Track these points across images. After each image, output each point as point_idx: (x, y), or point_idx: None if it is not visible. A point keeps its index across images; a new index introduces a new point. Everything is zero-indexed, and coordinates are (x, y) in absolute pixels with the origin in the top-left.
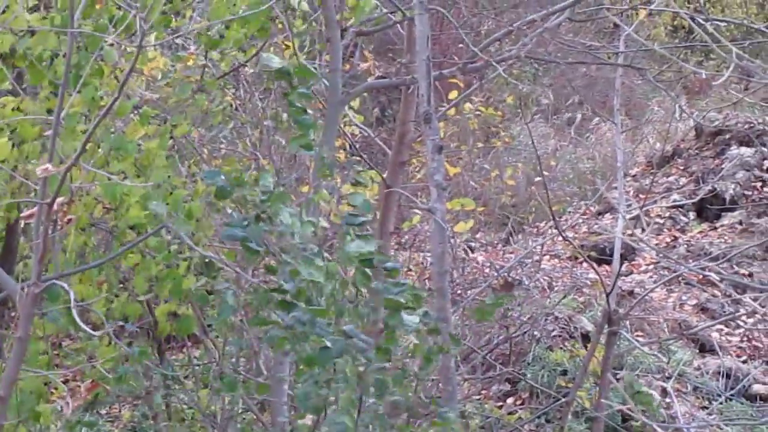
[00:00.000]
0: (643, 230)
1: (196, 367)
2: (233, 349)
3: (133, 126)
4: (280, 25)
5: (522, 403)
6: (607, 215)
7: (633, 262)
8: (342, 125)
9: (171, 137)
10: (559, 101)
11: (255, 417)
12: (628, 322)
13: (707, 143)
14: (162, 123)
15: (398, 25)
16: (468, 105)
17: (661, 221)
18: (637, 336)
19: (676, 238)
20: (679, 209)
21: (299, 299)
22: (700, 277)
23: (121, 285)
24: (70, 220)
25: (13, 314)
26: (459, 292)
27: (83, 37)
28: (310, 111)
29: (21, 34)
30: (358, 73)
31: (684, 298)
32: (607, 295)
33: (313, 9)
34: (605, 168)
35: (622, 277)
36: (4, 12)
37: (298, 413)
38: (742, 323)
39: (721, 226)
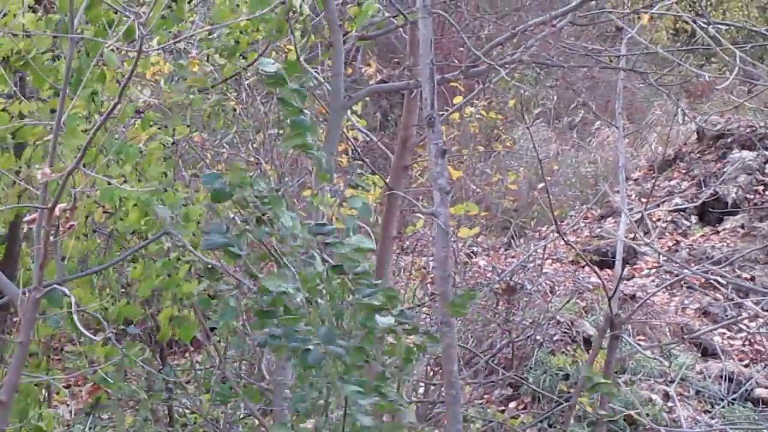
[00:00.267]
0: (646, 233)
1: (198, 372)
2: (235, 354)
3: (134, 130)
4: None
5: (524, 408)
6: (609, 219)
7: (635, 266)
8: (345, 129)
9: (173, 141)
10: (561, 105)
11: (257, 422)
12: (630, 326)
13: (709, 147)
14: (163, 127)
15: (401, 29)
16: (470, 109)
17: (663, 225)
18: (640, 340)
19: (678, 242)
20: (681, 213)
21: (276, 306)
22: (702, 280)
23: (123, 290)
24: (72, 225)
25: (14, 319)
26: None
27: (84, 41)
28: (307, 112)
29: (19, 36)
30: (363, 78)
31: (686, 301)
32: (609, 299)
33: (316, 13)
34: (607, 172)
35: (624, 281)
36: (4, 16)
37: (300, 418)
38: (744, 327)
39: (723, 229)
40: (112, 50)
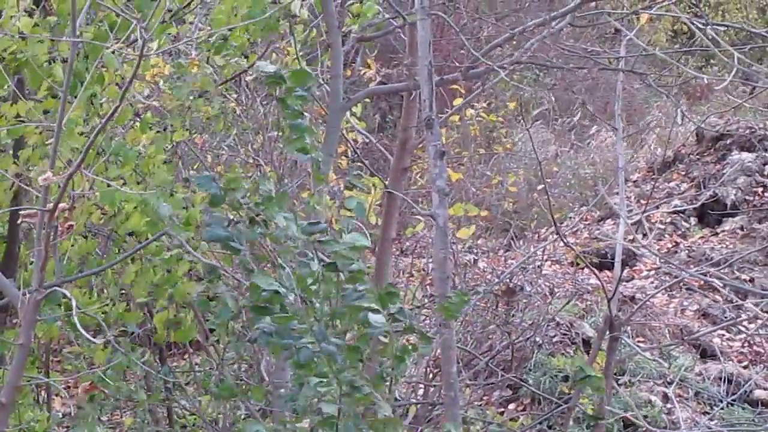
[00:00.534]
0: (645, 235)
1: (198, 374)
2: (234, 355)
3: (133, 132)
4: (281, 31)
5: (524, 409)
6: (609, 221)
7: (634, 268)
8: (344, 131)
9: (172, 143)
10: (561, 106)
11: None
12: (629, 328)
13: (708, 148)
14: (162, 130)
15: (400, 31)
16: (470, 111)
17: (663, 227)
18: (639, 342)
19: (677, 244)
20: (681, 215)
21: (272, 303)
22: (702, 282)
23: (123, 291)
24: (71, 226)
25: (14, 321)
26: None
27: (82, 43)
28: (306, 114)
29: (15, 38)
30: (362, 80)
31: (685, 303)
32: (609, 301)
33: (315, 15)
34: (606, 174)
35: (624, 283)
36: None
37: (297, 417)
38: (743, 328)
39: (723, 231)
40: (113, 53)
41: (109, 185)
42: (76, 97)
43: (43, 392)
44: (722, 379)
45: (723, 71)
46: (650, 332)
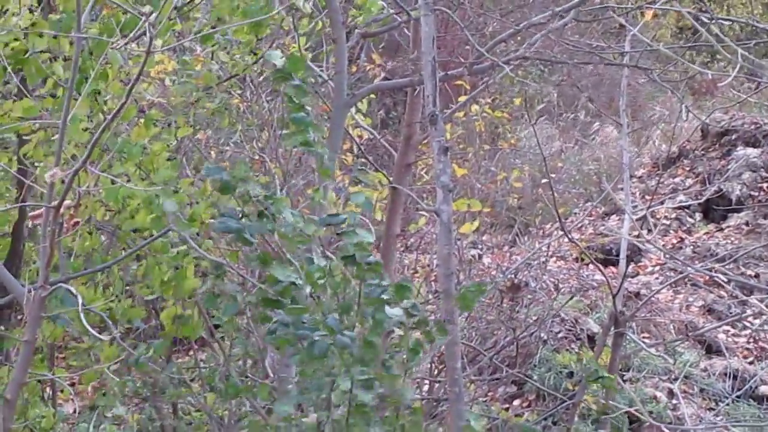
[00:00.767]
0: (650, 231)
1: (203, 370)
2: (240, 351)
3: (137, 129)
4: (285, 27)
5: (528, 405)
6: (614, 217)
7: (639, 264)
8: (349, 128)
9: (176, 139)
10: (565, 102)
11: (262, 419)
12: (634, 324)
13: (713, 144)
14: (167, 126)
15: (404, 27)
16: (475, 107)
17: (668, 222)
18: (644, 337)
19: (682, 240)
20: (686, 210)
21: (284, 296)
22: (707, 278)
23: (127, 288)
24: (76, 223)
25: (19, 317)
26: None
27: (86, 40)
28: (309, 108)
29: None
30: (367, 76)
31: (690, 299)
32: (614, 297)
33: (319, 10)
34: (611, 169)
35: (629, 279)
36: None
37: (303, 413)
38: (748, 324)
39: (728, 227)
40: (117, 48)
41: (113, 182)
42: (80, 94)
43: (48, 389)
44: (727, 375)
45: (728, 67)
46: (655, 328)
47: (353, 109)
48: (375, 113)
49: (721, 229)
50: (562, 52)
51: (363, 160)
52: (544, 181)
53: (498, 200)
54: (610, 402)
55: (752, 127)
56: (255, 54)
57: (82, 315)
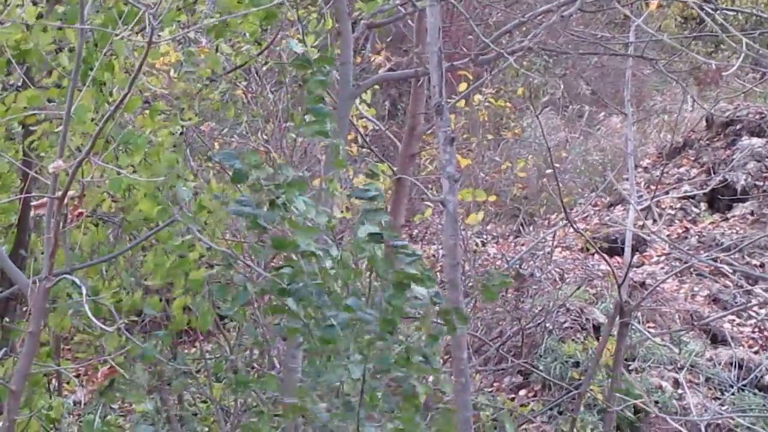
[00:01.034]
0: (655, 221)
1: (209, 361)
2: (248, 341)
3: (142, 120)
4: (291, 18)
5: (534, 395)
6: (619, 207)
7: (644, 254)
8: (354, 118)
9: (181, 131)
10: (570, 93)
11: (268, 410)
12: (639, 314)
13: (718, 134)
14: (172, 116)
15: (408, 18)
16: (478, 96)
17: (673, 212)
18: (649, 327)
19: (687, 229)
20: (691, 200)
21: (305, 258)
22: (712, 268)
23: (133, 279)
24: (80, 214)
25: (24, 309)
26: (470, 284)
27: (92, 31)
28: (327, 100)
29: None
30: (371, 67)
31: (695, 289)
32: (619, 287)
33: (325, 1)
34: (616, 159)
35: (634, 269)
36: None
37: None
38: (753, 314)
39: (733, 216)
40: (121, 39)
41: (118, 173)
42: (86, 84)
43: (54, 380)
44: (733, 365)
45: (733, 56)
46: (661, 318)
47: (357, 100)
48: (380, 104)
49: (726, 219)
50: (566, 43)
51: (367, 150)
52: (548, 171)
53: (502, 190)
54: (615, 394)
55: (757, 116)
56: (259, 45)
57: (87, 306)
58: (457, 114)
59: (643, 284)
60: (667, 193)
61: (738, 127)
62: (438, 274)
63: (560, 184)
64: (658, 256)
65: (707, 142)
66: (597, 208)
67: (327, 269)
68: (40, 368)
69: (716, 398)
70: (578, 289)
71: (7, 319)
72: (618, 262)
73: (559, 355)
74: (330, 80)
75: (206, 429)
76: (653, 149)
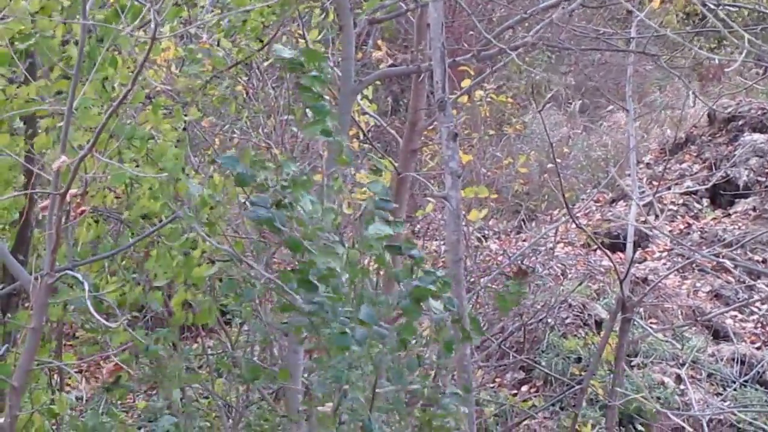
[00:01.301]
0: (657, 217)
1: (211, 357)
2: (254, 337)
3: (144, 115)
4: (293, 14)
5: (536, 391)
6: (621, 202)
7: (647, 249)
8: (355, 114)
9: (184, 126)
10: (572, 89)
11: (270, 406)
12: (641, 309)
13: (720, 130)
14: (175, 111)
15: (410, 13)
16: (479, 92)
17: (675, 208)
18: (651, 323)
19: (689, 225)
20: (693, 196)
21: (323, 282)
22: (714, 263)
23: (134, 276)
24: (83, 210)
25: (26, 305)
26: (473, 279)
27: (97, 27)
28: (326, 97)
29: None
30: (372, 62)
31: (698, 284)
32: (621, 282)
33: None
34: (618, 155)
35: (636, 265)
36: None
37: (313, 401)
38: (756, 309)
39: (735, 212)
40: (126, 36)
41: (120, 168)
42: (88, 80)
43: (56, 376)
44: (735, 360)
45: (735, 52)
46: (663, 313)
47: (359, 96)
48: (383, 100)
49: (729, 215)
50: (569, 39)
51: (369, 146)
52: (550, 166)
53: (504, 186)
54: (618, 389)
55: (759, 112)
56: (261, 41)
57: (89, 302)
58: (459, 110)
59: (645, 280)
60: (669, 188)
61: (740, 123)
62: (440, 270)
63: (562, 180)
64: (660, 251)
65: (709, 137)
66: (599, 204)
67: (335, 270)
68: (42, 364)
69: (718, 394)
70: (580, 284)
71: (9, 315)
72: (620, 258)
73: (561, 350)
74: (326, 76)
75: (208, 424)
76: (655, 145)
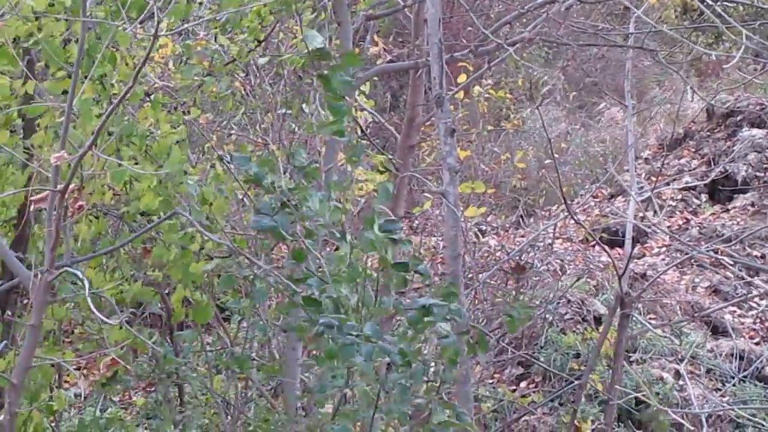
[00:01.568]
0: (656, 213)
1: (209, 353)
2: (255, 334)
3: (143, 112)
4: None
5: (535, 387)
6: (619, 198)
7: (645, 245)
8: (352, 110)
9: (183, 122)
10: (571, 84)
11: (268, 402)
12: (640, 305)
13: (719, 125)
14: (173, 110)
15: (408, 9)
16: (477, 88)
17: (674, 203)
18: (650, 319)
19: (688, 221)
20: (691, 191)
21: (324, 295)
22: (713, 259)
23: (132, 273)
24: (81, 206)
25: (25, 302)
26: (471, 275)
27: (96, 24)
28: (347, 98)
29: (31, 18)
30: (369, 58)
31: (696, 280)
32: (620, 278)
33: None
34: (616, 151)
35: (635, 260)
36: None
37: (310, 397)
38: (754, 305)
39: (734, 207)
40: (124, 30)
41: (120, 165)
42: (87, 77)
43: (55, 372)
44: (734, 356)
45: (733, 47)
46: (661, 309)
47: (356, 92)
48: (381, 96)
49: (727, 210)
50: (567, 35)
51: (366, 141)
52: (548, 162)
53: (502, 181)
54: (617, 386)
55: (757, 107)
56: (258, 41)
57: (89, 299)
58: (457, 106)
59: (643, 275)
60: (667, 184)
61: (738, 118)
62: (439, 266)
63: (560, 176)
64: (658, 247)
65: (708, 133)
66: (598, 200)
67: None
68: (41, 361)
69: (717, 390)
70: (579, 280)
71: (8, 312)
72: (619, 254)
73: (560, 346)
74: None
75: (207, 421)
76: (654, 140)
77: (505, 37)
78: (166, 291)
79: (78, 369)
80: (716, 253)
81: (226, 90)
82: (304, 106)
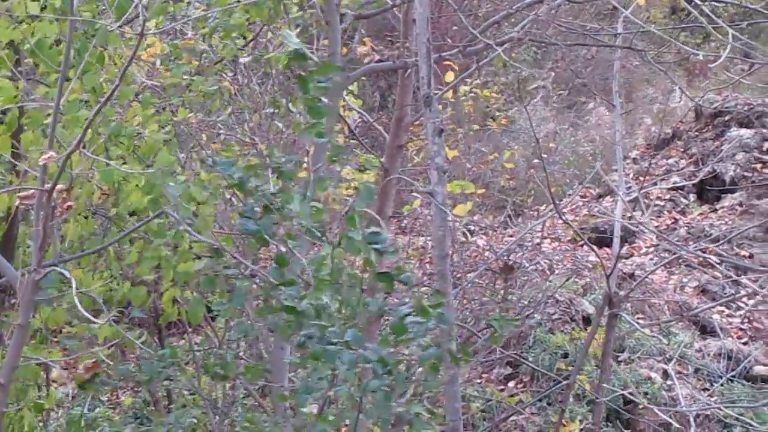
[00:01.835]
0: (643, 213)
1: (197, 353)
2: (236, 335)
3: (131, 111)
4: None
5: (523, 386)
6: (607, 198)
7: (633, 245)
8: (340, 109)
9: (172, 123)
10: (559, 84)
11: (256, 402)
12: (628, 305)
13: (707, 125)
14: (162, 109)
15: (396, 8)
16: (463, 87)
17: (662, 203)
18: (638, 318)
19: (676, 220)
20: (679, 191)
21: (305, 301)
22: (701, 259)
23: (122, 272)
24: (69, 206)
25: (13, 301)
26: (459, 275)
27: (86, 25)
28: (324, 99)
29: (21, 20)
30: (356, 57)
31: (684, 280)
32: (608, 278)
33: None
34: (605, 151)
35: (623, 260)
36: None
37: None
38: (742, 305)
39: (722, 207)
40: (112, 30)
41: (108, 165)
42: (75, 76)
43: (42, 372)
44: (722, 356)
45: (721, 48)
46: (650, 309)
47: (344, 91)
48: (371, 96)
49: (715, 210)
50: (555, 35)
51: (355, 141)
52: (536, 161)
53: (490, 181)
54: (604, 385)
55: (745, 107)
56: (245, 38)
57: (77, 299)
58: (444, 105)
59: (632, 275)
60: (655, 184)
61: (726, 118)
62: (427, 265)
63: (548, 175)
64: (647, 247)
65: (696, 133)
66: (586, 199)
67: (321, 268)
68: (28, 360)
69: (705, 389)
70: (567, 280)
71: None
72: (607, 253)
73: (548, 346)
74: (330, 85)
75: (194, 421)
76: (642, 140)
77: (493, 37)
78: (155, 290)
79: (65, 369)
80: (704, 252)
81: (213, 88)
82: (290, 105)
